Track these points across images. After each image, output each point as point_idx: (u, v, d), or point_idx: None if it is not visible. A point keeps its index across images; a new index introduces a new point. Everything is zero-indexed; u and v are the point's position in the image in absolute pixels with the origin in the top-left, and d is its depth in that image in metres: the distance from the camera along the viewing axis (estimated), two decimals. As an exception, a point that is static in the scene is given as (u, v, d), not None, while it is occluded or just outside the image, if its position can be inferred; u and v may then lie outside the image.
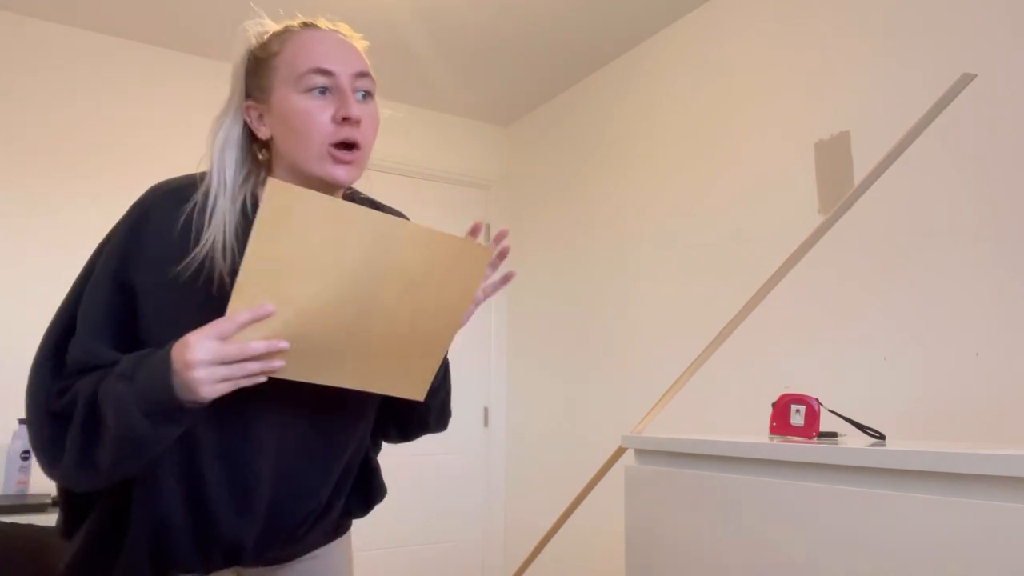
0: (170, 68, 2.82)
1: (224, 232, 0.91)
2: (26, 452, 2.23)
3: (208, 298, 0.89)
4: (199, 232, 0.91)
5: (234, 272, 0.84)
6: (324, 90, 0.93)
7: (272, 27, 0.99)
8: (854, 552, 0.98)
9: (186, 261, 0.89)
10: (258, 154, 1.01)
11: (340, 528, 1.13)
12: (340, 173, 0.94)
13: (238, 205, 0.95)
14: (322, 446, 1.00)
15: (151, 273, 0.90)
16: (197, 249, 0.89)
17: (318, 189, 0.94)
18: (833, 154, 2.03)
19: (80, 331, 0.89)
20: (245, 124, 0.98)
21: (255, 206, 0.97)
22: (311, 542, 1.07)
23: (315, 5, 1.07)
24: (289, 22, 0.99)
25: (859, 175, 1.95)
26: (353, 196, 1.10)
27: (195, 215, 0.92)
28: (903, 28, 1.89)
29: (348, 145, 0.94)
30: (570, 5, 2.57)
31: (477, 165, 3.56)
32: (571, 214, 3.13)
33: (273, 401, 0.93)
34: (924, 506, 0.91)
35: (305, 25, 0.98)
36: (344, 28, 1.01)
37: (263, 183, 1.00)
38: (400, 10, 2.58)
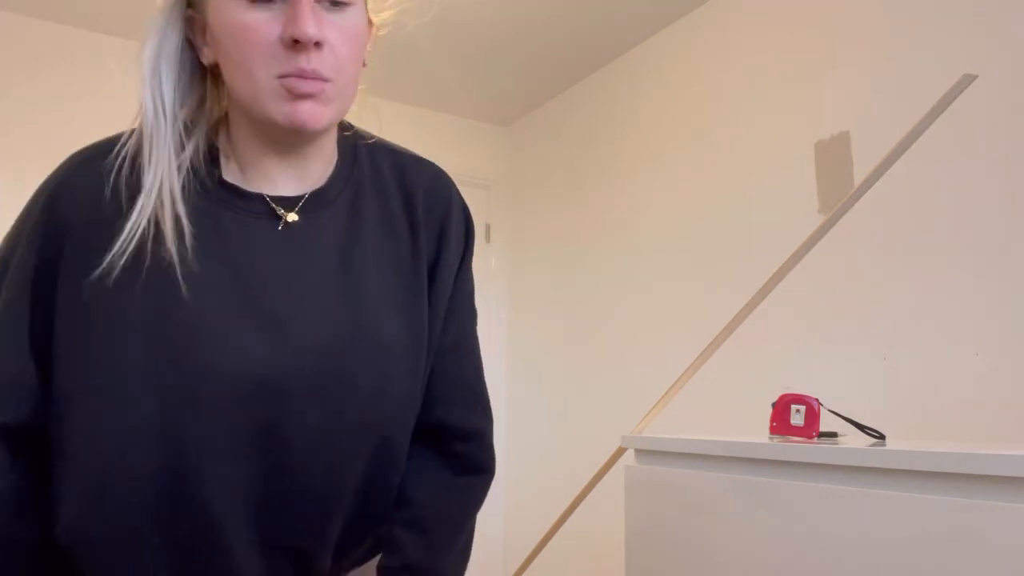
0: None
1: (168, 184, 0.67)
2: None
3: (153, 289, 0.67)
4: (133, 196, 0.68)
5: (183, 248, 0.66)
6: None
7: None
8: (854, 552, 0.98)
9: (120, 242, 0.66)
10: (210, 83, 0.76)
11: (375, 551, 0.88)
12: (303, 113, 0.67)
13: (188, 153, 0.71)
14: (309, 491, 0.74)
15: (79, 274, 0.68)
16: (133, 218, 0.66)
17: (283, 137, 0.72)
18: (833, 154, 2.03)
19: None
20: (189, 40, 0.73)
21: (214, 159, 0.74)
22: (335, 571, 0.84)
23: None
24: None
25: (859, 175, 1.95)
26: (356, 141, 0.84)
27: (125, 174, 0.69)
28: (903, 28, 1.89)
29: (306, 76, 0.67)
30: (570, 5, 2.57)
31: (477, 165, 3.55)
32: (571, 214, 3.12)
33: (223, 475, 0.68)
34: (924, 506, 0.91)
35: None
36: None
37: (225, 124, 0.76)
38: (399, 10, 2.57)
